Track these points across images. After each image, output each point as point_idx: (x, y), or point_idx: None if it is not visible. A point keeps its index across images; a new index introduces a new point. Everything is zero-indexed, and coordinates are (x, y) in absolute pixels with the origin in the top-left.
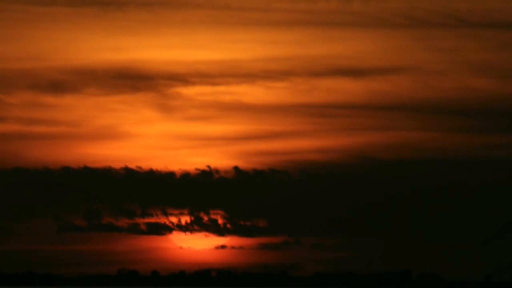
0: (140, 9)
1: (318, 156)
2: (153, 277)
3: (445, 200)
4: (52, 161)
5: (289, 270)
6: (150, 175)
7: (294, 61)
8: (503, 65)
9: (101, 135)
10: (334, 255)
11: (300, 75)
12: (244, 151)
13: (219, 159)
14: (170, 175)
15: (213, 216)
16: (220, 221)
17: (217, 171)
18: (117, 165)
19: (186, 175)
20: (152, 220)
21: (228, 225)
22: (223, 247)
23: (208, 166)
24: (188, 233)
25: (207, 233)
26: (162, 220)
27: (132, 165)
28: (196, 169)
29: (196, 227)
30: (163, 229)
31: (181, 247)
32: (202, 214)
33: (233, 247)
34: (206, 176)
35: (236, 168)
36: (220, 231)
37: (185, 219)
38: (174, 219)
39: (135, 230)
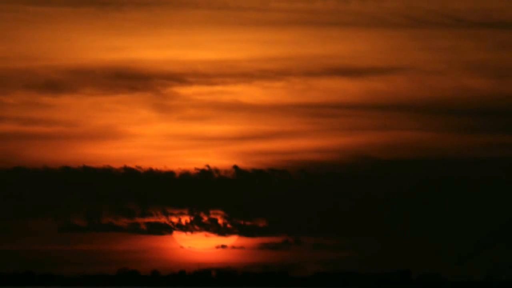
0: (137, 9)
1: (316, 156)
2: (153, 277)
3: (444, 200)
4: (52, 161)
5: (289, 270)
6: (150, 175)
7: (292, 61)
8: (501, 64)
9: (99, 135)
10: (334, 255)
11: (297, 75)
12: (243, 151)
13: (218, 159)
14: (170, 174)
15: (213, 216)
16: (220, 221)
17: (216, 170)
18: (117, 164)
19: (185, 175)
20: (152, 219)
21: (228, 225)
22: (223, 247)
23: (208, 166)
24: (188, 233)
25: (207, 233)
26: (162, 220)
27: (131, 165)
28: (196, 168)
29: (196, 227)
30: (163, 229)
31: (181, 247)
32: (202, 214)
33: (233, 247)
34: (206, 175)
35: (235, 167)
36: (220, 231)
37: (185, 219)
38: (174, 219)
39: (135, 230)
